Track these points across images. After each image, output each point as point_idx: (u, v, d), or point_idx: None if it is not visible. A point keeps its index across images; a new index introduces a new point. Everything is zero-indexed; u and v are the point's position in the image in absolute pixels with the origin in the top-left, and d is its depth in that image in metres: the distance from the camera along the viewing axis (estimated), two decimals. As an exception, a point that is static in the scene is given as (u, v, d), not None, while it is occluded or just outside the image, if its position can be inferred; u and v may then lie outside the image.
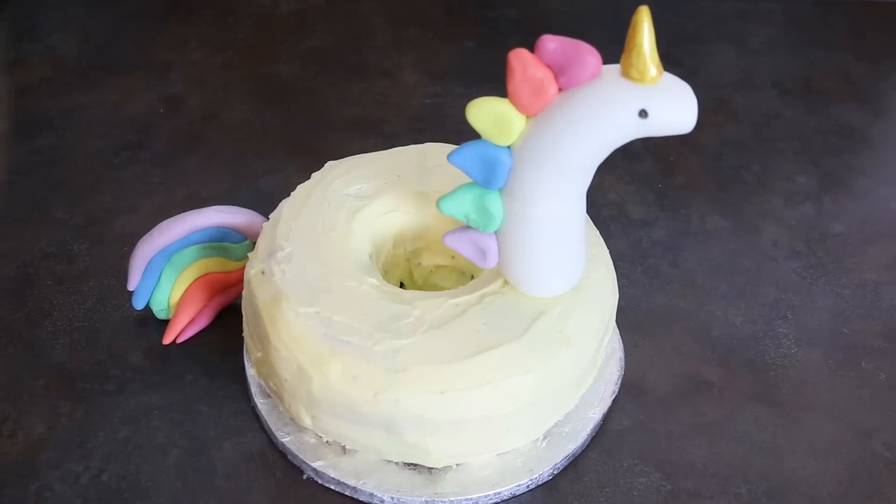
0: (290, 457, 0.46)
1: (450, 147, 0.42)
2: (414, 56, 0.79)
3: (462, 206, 0.42)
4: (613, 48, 0.37)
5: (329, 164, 0.52)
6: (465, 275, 0.51)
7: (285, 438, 0.46)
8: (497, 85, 0.38)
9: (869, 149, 0.70)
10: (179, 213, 0.51)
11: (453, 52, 0.80)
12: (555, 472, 0.46)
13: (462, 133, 0.40)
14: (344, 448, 0.45)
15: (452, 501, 0.44)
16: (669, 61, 0.38)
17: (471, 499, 0.44)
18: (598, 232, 0.50)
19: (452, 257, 0.51)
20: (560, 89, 0.37)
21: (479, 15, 0.85)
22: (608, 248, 0.49)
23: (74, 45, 0.79)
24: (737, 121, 0.72)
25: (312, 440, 0.46)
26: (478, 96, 0.39)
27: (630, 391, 0.50)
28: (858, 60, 0.80)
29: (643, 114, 0.35)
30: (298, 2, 0.86)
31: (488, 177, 0.40)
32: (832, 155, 0.69)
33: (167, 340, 0.51)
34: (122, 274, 0.52)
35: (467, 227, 0.43)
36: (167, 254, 0.50)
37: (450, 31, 0.82)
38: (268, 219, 0.50)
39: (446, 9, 0.85)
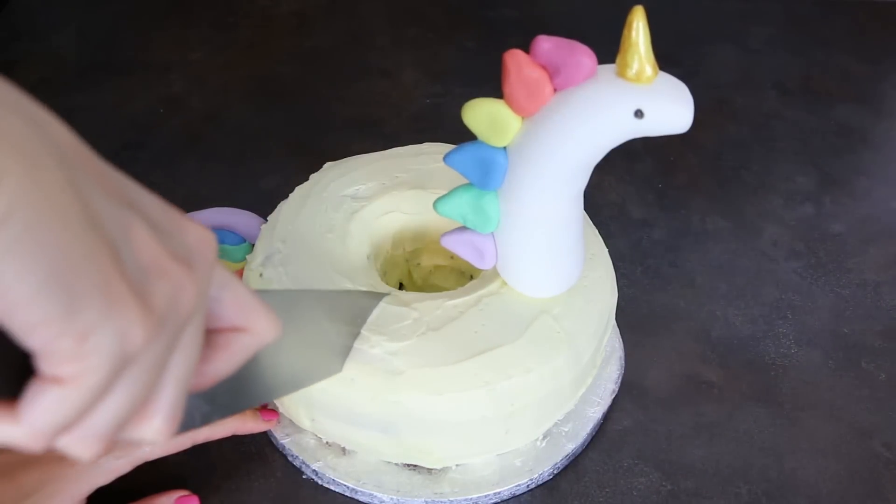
0: (289, 457, 0.46)
1: (449, 147, 0.42)
2: (414, 56, 0.79)
3: (459, 207, 0.42)
4: (614, 48, 0.37)
5: (327, 165, 0.52)
6: (464, 275, 0.51)
7: (285, 439, 0.46)
8: (497, 85, 0.38)
9: (869, 149, 0.70)
10: (179, 213, 0.51)
11: (453, 52, 0.79)
12: (555, 472, 0.46)
13: (461, 133, 0.40)
14: (343, 449, 0.45)
15: (452, 501, 0.44)
16: (669, 61, 0.38)
17: (471, 499, 0.44)
18: (597, 232, 0.50)
19: (451, 258, 0.51)
20: (555, 90, 0.37)
21: (479, 15, 0.85)
22: (608, 248, 0.49)
23: (74, 45, 0.79)
24: (737, 121, 0.72)
25: (312, 441, 0.46)
26: (478, 96, 0.39)
27: (630, 391, 0.50)
28: (858, 60, 0.80)
29: (639, 114, 0.35)
30: (298, 2, 0.86)
31: (484, 178, 0.40)
32: (832, 155, 0.69)
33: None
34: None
35: (465, 229, 0.43)
36: (166, 254, 0.50)
37: (450, 31, 0.82)
38: (266, 221, 0.49)
39: (446, 9, 0.85)
